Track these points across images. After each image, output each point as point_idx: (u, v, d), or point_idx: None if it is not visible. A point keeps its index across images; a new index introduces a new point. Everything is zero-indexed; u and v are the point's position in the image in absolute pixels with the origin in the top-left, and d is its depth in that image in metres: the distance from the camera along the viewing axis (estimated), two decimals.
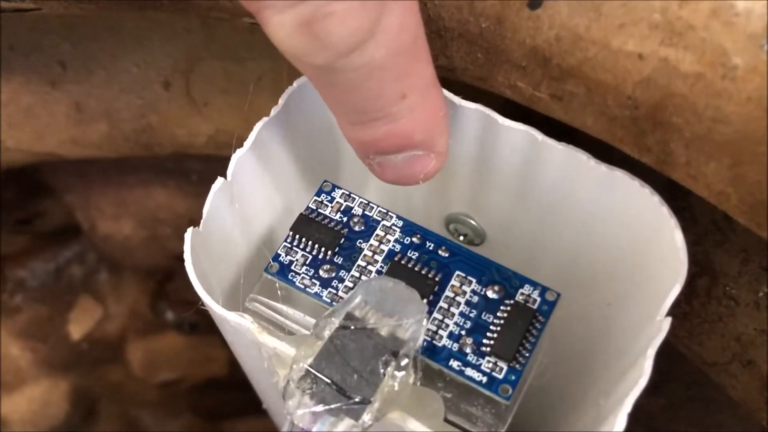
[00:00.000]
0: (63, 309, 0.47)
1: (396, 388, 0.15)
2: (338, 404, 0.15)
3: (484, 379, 0.16)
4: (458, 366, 0.16)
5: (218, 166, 0.36)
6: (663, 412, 0.28)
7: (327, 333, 0.16)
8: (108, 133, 0.27)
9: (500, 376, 0.16)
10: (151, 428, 0.57)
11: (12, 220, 0.44)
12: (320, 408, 0.15)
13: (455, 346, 0.16)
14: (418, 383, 0.16)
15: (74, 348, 0.47)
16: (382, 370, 0.15)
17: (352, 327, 0.16)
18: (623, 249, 0.18)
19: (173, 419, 0.58)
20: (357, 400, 0.15)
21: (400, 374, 0.15)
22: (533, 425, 0.17)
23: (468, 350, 0.16)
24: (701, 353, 0.22)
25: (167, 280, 0.42)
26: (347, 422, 0.15)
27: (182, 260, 0.38)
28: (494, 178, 0.19)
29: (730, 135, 0.15)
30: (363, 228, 0.17)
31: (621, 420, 0.15)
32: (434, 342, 0.16)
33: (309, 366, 0.15)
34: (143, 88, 0.26)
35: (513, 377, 0.16)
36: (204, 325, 0.44)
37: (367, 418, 0.15)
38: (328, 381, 0.15)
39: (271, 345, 0.16)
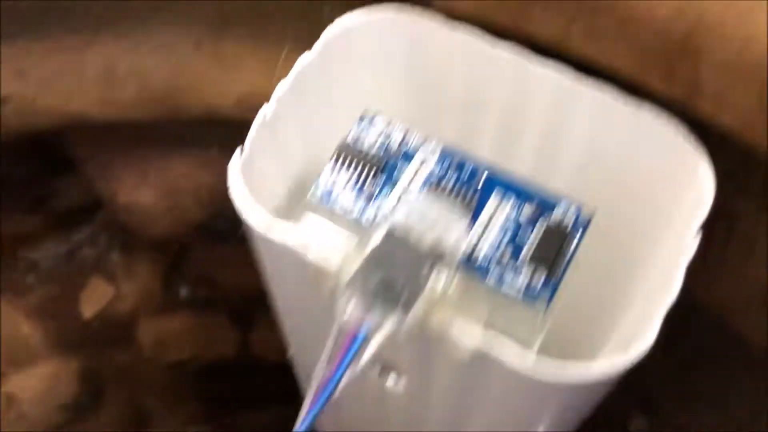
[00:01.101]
0: (75, 289, 0.47)
1: (438, 293, 0.16)
2: (384, 306, 0.15)
3: (521, 291, 0.16)
4: (495, 279, 0.17)
5: (240, 138, 0.36)
6: (675, 371, 0.29)
7: (371, 245, 0.16)
8: (137, 95, 0.28)
9: (537, 288, 0.16)
10: (155, 415, 0.57)
11: (28, 199, 0.44)
12: (367, 309, 0.15)
13: (493, 261, 0.17)
14: (458, 293, 0.16)
15: (85, 327, 0.47)
16: (425, 276, 0.16)
17: (396, 239, 0.16)
18: (653, 181, 0.19)
19: (178, 406, 0.58)
20: (402, 301, 0.15)
21: (442, 281, 0.16)
22: (566, 340, 0.18)
23: (505, 264, 0.17)
24: (721, 299, 0.23)
25: (184, 254, 0.42)
26: (393, 322, 0.15)
27: (201, 230, 0.39)
28: (524, 123, 0.20)
29: (761, 55, 0.15)
30: (402, 154, 0.18)
31: (652, 332, 0.16)
32: (472, 257, 0.17)
33: (355, 272, 0.16)
34: (174, 49, 0.27)
35: (549, 289, 0.16)
36: (217, 302, 0.45)
37: (412, 318, 0.15)
38: (374, 285, 0.16)
39: (317, 258, 0.16)
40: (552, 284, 0.16)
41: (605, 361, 0.15)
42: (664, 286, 0.16)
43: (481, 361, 0.16)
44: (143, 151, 0.34)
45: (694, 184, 0.17)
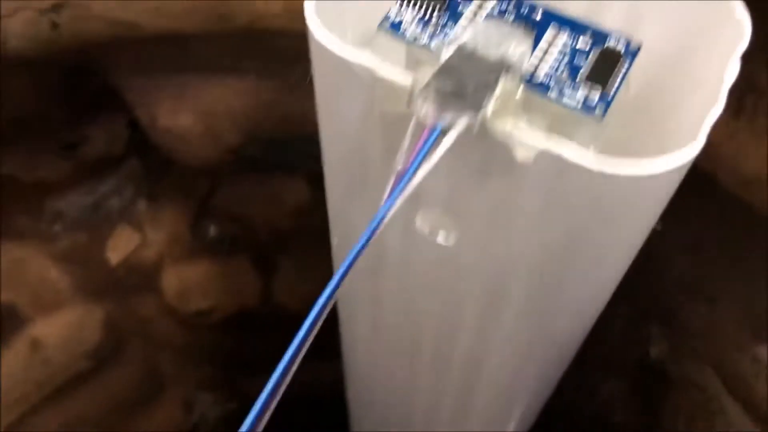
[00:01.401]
0: (101, 236, 0.48)
1: (505, 100, 0.17)
2: (457, 107, 0.17)
3: (580, 103, 0.18)
4: (556, 93, 0.18)
5: (276, 66, 0.38)
6: (688, 250, 0.30)
7: (442, 59, 0.18)
8: (191, 3, 0.30)
9: (593, 101, 0.18)
10: (169, 377, 0.58)
11: (59, 144, 0.45)
12: (441, 110, 0.17)
13: (553, 79, 0.18)
14: (522, 103, 0.18)
15: (111, 273, 0.48)
16: (493, 84, 0.17)
17: (464, 53, 0.18)
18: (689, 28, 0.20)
19: (192, 368, 0.59)
20: (473, 104, 0.17)
21: (508, 89, 0.17)
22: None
23: (564, 82, 0.18)
24: (747, 168, 0.24)
25: (215, 188, 0.43)
26: (465, 120, 0.17)
27: (236, 156, 0.40)
28: None
29: None
30: None
31: (702, 138, 0.17)
32: (534, 75, 0.18)
33: (429, 80, 0.17)
34: None
35: (604, 103, 0.18)
36: (242, 243, 0.46)
37: (482, 117, 0.17)
38: (447, 91, 0.17)
39: (391, 74, 0.18)
40: (606, 99, 0.18)
41: (662, 157, 0.17)
42: (709, 101, 0.18)
43: (542, 166, 0.17)
44: (182, 77, 0.36)
45: (731, 21, 0.19)
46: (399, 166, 0.17)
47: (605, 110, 0.18)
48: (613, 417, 0.43)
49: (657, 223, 0.24)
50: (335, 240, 0.28)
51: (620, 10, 0.21)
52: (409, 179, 0.17)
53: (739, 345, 0.30)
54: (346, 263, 0.17)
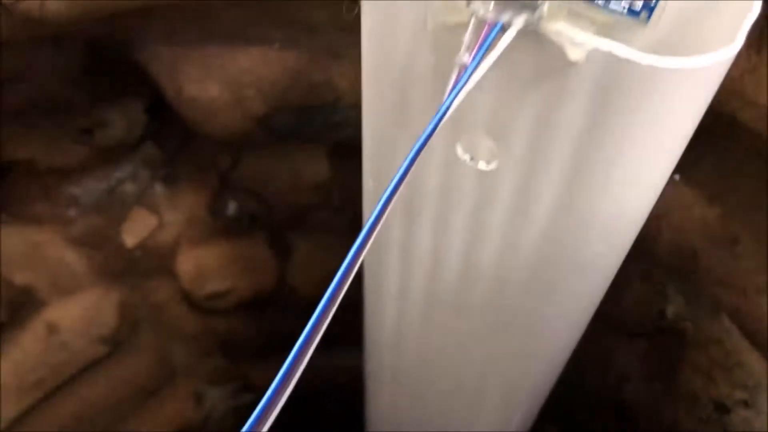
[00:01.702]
0: (117, 220, 0.48)
1: (556, 5, 0.18)
2: (514, 9, 0.18)
3: (625, 9, 0.19)
4: (602, 2, 0.19)
5: (298, 34, 0.39)
6: (708, 197, 0.31)
7: None
8: None
9: (638, 7, 0.19)
10: (180, 368, 0.58)
11: (76, 128, 0.46)
12: (502, 7, 0.18)
13: None
14: (572, 9, 0.19)
15: (128, 256, 0.48)
16: None
17: None
18: None
19: (203, 358, 0.59)
20: (529, 6, 0.18)
21: None
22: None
23: None
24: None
25: (239, 159, 0.44)
26: (524, 17, 0.18)
27: (261, 125, 0.41)
28: None
29: None
30: None
31: (741, 38, 0.18)
32: None
33: None
34: None
35: (648, 9, 0.19)
36: (261, 219, 0.47)
37: (539, 15, 0.18)
38: None
39: None
40: (650, 6, 0.19)
41: (709, 53, 0.18)
42: (746, 8, 0.19)
43: (593, 65, 0.18)
44: (208, 46, 0.37)
45: None
46: (462, 60, 0.18)
47: (649, 15, 0.19)
48: (628, 384, 0.43)
49: (674, 174, 0.25)
50: (369, 183, 0.29)
51: None
52: (473, 71, 0.18)
53: (760, 287, 0.31)
54: (394, 183, 0.17)
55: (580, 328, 0.31)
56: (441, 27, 0.20)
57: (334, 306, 0.16)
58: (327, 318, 0.16)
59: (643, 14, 0.19)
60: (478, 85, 0.18)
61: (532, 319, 0.30)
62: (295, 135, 0.39)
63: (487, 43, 0.18)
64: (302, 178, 0.42)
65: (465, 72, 0.17)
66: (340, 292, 0.16)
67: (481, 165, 0.24)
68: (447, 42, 0.20)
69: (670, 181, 0.26)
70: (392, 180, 0.18)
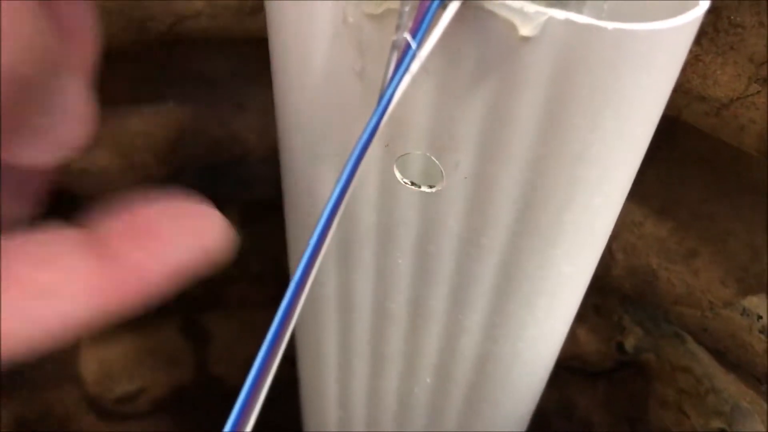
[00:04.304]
0: None
1: None
2: None
3: None
4: None
5: (193, 87, 0.35)
6: (658, 212, 0.29)
7: None
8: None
9: None
10: None
11: None
12: None
13: None
14: None
15: (18, 367, 0.42)
16: None
17: None
18: None
19: None
20: None
21: None
22: None
23: None
24: (717, 93, 0.24)
25: None
26: None
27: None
28: None
29: None
30: None
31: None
32: None
33: None
34: None
35: None
36: (171, 303, 0.42)
37: None
38: None
39: None
40: None
41: (682, 15, 0.15)
42: None
43: (550, 38, 0.16)
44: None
45: None
46: (401, 39, 0.15)
47: None
48: (593, 430, 0.40)
49: None
50: (291, 222, 0.25)
51: None
52: (409, 63, 0.14)
53: (726, 300, 0.29)
54: (327, 212, 0.14)
55: (547, 369, 0.28)
56: (364, 18, 0.17)
57: (260, 393, 0.13)
58: (253, 410, 0.13)
59: None
60: (423, 68, 0.15)
61: (495, 366, 0.26)
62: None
63: (428, 18, 0.15)
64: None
65: (407, 53, 0.14)
66: (268, 373, 0.13)
67: (425, 186, 0.21)
68: (373, 39, 0.17)
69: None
70: (325, 208, 0.14)
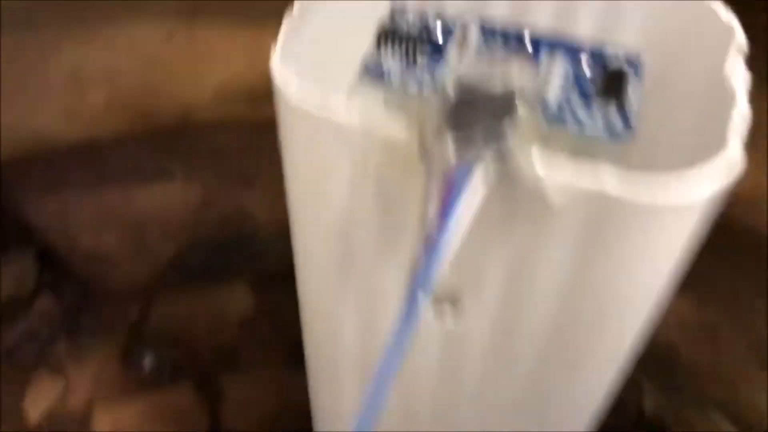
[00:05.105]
0: (16, 388, 0.42)
1: (526, 129, 0.15)
2: (479, 140, 0.15)
3: (604, 131, 0.16)
4: (573, 123, 0.16)
5: (201, 163, 0.35)
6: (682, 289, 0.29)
7: (443, 99, 0.15)
8: (106, 103, 0.27)
9: (616, 125, 0.16)
10: None
11: None
12: (463, 148, 0.14)
13: (565, 107, 0.16)
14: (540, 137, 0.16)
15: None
16: (510, 111, 0.15)
17: (466, 89, 0.16)
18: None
19: None
20: (494, 134, 0.15)
21: (527, 117, 0.15)
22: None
23: (577, 107, 0.16)
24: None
25: (149, 308, 0.39)
26: (491, 155, 0.15)
27: (170, 267, 0.36)
28: None
29: None
30: (443, 27, 0.18)
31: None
32: (545, 104, 0.16)
33: (437, 125, 0.15)
34: (144, 45, 0.26)
35: (629, 126, 0.16)
36: (185, 367, 0.41)
37: (506, 150, 0.15)
38: (464, 127, 0.15)
39: (389, 127, 0.15)
40: (628, 117, 0.16)
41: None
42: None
43: (579, 206, 0.15)
44: (101, 191, 0.32)
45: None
46: (423, 233, 0.14)
47: (629, 128, 0.16)
48: None
49: None
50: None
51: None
52: (448, 237, 0.14)
53: (749, 377, 0.28)
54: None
55: None
56: (388, 175, 0.16)
57: None
58: None
59: (625, 132, 0.16)
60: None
61: None
62: (211, 271, 0.34)
63: (458, 193, 0.14)
64: (225, 316, 0.38)
65: (436, 241, 0.14)
66: None
67: (447, 323, 0.20)
68: (395, 191, 0.17)
69: None
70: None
